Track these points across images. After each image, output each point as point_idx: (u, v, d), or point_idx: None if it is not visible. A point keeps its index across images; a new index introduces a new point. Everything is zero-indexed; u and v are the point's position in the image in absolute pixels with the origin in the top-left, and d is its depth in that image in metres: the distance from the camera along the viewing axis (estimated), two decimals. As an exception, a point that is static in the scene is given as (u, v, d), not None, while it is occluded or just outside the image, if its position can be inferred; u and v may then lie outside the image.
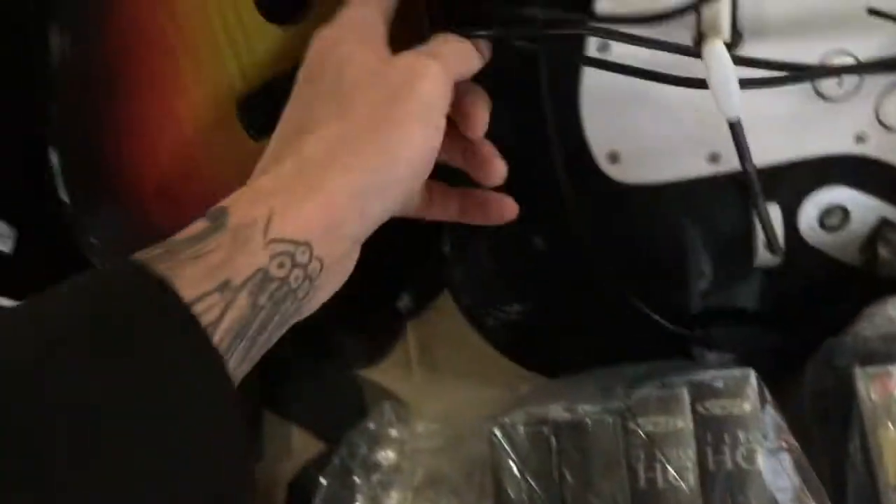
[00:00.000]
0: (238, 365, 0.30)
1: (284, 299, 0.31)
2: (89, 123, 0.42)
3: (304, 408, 0.47)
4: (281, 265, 0.30)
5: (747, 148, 0.39)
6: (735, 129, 0.38)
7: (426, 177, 0.36)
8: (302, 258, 0.31)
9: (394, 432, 0.42)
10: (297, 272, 0.31)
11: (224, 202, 0.33)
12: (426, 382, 0.48)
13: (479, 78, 0.41)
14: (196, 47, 0.43)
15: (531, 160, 0.44)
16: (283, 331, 0.33)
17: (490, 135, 0.40)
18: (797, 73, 0.40)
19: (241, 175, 0.45)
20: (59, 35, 0.39)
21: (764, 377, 0.49)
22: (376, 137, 0.33)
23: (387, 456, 0.41)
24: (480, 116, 0.38)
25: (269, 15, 0.45)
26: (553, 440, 0.39)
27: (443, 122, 0.35)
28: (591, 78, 0.43)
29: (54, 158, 0.41)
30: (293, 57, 0.46)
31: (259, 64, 0.45)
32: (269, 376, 0.48)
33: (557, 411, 0.39)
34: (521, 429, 0.39)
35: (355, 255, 0.35)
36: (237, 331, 0.29)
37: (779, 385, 0.48)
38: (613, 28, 0.39)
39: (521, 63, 0.41)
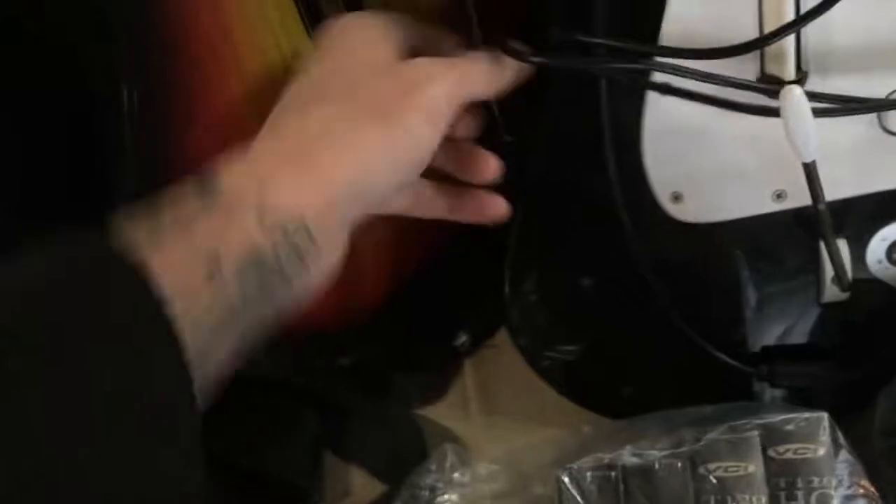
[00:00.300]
0: (223, 355, 0.28)
1: (274, 281, 0.29)
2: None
3: (364, 449, 0.47)
4: (275, 243, 0.29)
5: (821, 189, 0.39)
6: (810, 171, 0.38)
7: (418, 174, 0.35)
8: (296, 237, 0.30)
9: (456, 475, 0.41)
10: (290, 252, 0.29)
11: (216, 170, 0.31)
12: (485, 423, 0.47)
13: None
14: (252, 27, 0.43)
15: (591, 198, 0.44)
16: (271, 318, 0.30)
17: (550, 171, 0.40)
18: (859, 104, 0.39)
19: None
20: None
21: (831, 415, 0.48)
22: (380, 123, 0.33)
23: (450, 499, 0.41)
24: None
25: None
26: (621, 485, 0.38)
27: (444, 129, 0.35)
28: (652, 115, 0.42)
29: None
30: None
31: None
32: (327, 416, 0.48)
33: (625, 456, 0.38)
34: (589, 474, 0.38)
35: (345, 242, 0.33)
36: (224, 319, 0.28)
37: (844, 423, 0.47)
38: (679, 63, 0.39)
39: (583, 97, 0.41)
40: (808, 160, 0.37)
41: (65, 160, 0.46)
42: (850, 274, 0.44)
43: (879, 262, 0.45)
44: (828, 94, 0.39)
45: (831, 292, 0.45)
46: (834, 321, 0.47)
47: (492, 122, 0.51)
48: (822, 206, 0.39)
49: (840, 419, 0.46)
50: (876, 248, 0.45)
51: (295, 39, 0.43)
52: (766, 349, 0.48)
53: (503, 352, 0.48)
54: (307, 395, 0.48)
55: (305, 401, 0.47)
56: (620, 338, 0.48)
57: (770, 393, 0.49)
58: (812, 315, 0.47)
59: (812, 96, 0.36)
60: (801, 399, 0.49)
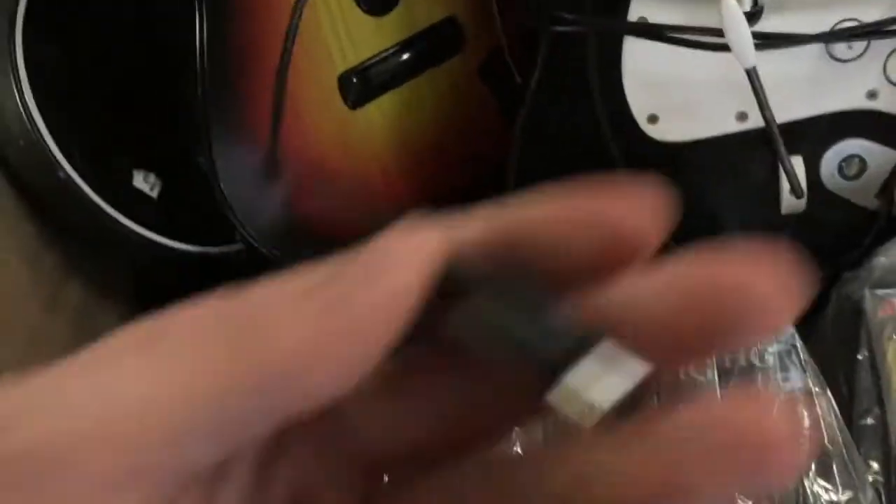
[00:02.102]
0: None
1: None
2: (226, 93, 0.52)
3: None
4: None
5: (765, 95, 0.46)
6: (751, 76, 0.45)
7: None
8: None
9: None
10: None
11: None
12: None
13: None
14: (304, 34, 0.53)
15: (580, 132, 0.52)
16: None
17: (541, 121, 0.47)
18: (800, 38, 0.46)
19: (338, 140, 0.55)
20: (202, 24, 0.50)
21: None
22: None
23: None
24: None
25: (366, 7, 0.54)
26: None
27: None
28: (630, 52, 0.50)
29: (198, 121, 0.51)
30: (383, 41, 0.56)
31: (355, 46, 0.54)
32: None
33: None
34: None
35: None
36: None
37: (807, 322, 0.54)
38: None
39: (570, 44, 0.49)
40: (749, 66, 0.45)
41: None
42: (804, 185, 0.51)
43: (832, 175, 0.52)
44: (759, 33, 0.47)
45: (789, 203, 0.52)
46: (796, 233, 0.54)
47: (505, 67, 0.60)
48: (767, 113, 0.47)
49: (806, 322, 0.53)
50: (828, 163, 0.52)
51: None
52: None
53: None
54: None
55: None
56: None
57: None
58: (777, 228, 0.54)
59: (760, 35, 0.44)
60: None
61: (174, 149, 0.54)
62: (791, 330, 0.45)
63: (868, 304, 0.46)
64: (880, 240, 0.51)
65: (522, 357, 0.15)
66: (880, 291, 0.47)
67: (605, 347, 0.15)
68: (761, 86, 0.46)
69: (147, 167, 0.54)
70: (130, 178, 0.53)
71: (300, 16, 0.50)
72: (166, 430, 0.14)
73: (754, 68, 0.45)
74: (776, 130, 0.48)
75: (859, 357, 0.45)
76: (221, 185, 0.51)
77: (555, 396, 0.15)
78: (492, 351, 0.16)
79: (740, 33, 0.43)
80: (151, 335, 0.15)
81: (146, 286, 0.57)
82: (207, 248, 0.55)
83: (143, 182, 0.53)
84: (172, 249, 0.54)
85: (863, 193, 0.52)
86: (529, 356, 0.15)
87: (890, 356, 0.45)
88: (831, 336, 0.50)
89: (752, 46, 0.44)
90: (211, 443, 0.14)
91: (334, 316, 0.14)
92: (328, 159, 0.55)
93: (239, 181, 0.52)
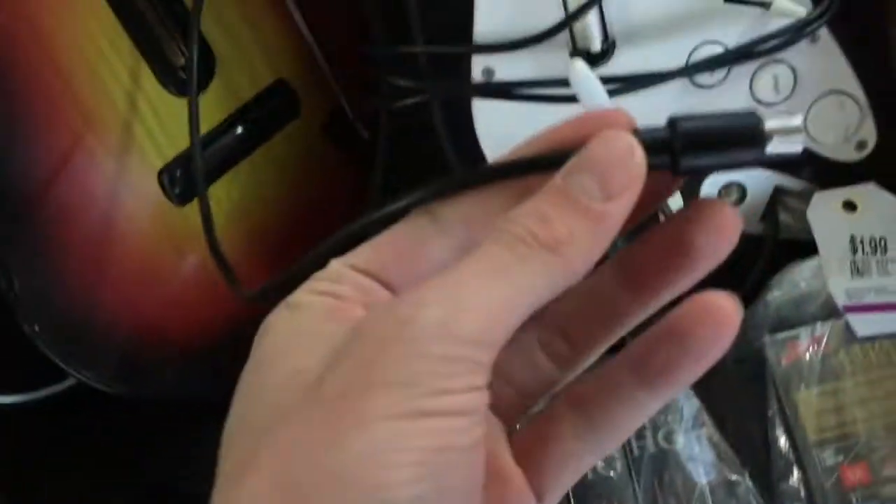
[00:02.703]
0: None
1: None
2: (25, 221, 0.44)
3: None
4: None
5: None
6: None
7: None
8: None
9: None
10: None
11: None
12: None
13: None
14: (105, 128, 0.45)
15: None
16: None
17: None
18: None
19: (166, 239, 0.48)
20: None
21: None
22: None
23: None
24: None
25: (175, 90, 0.47)
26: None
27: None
28: (481, 112, 0.45)
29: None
30: (204, 122, 0.49)
31: (171, 137, 0.47)
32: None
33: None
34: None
35: None
36: None
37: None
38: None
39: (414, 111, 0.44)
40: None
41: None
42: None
43: (713, 206, 0.48)
44: (616, 77, 0.42)
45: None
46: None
47: (349, 125, 0.54)
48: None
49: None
50: (707, 193, 0.48)
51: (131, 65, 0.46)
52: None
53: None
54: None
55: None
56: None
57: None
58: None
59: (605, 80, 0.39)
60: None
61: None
62: (697, 405, 0.41)
63: (770, 352, 0.43)
64: (772, 267, 0.48)
65: None
66: (780, 336, 0.44)
67: None
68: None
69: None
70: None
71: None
72: (507, 332, 0.19)
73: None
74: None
75: (769, 413, 0.42)
76: (36, 328, 0.44)
77: None
78: None
79: (594, 94, 0.38)
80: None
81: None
82: (30, 395, 0.47)
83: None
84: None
85: (747, 220, 0.49)
86: None
87: (801, 410, 0.42)
88: (735, 381, 0.47)
89: (609, 105, 0.39)
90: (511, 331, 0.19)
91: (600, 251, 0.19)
92: (161, 269, 0.48)
93: (58, 322, 0.45)
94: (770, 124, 0.20)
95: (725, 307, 0.21)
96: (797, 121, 0.20)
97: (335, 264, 0.21)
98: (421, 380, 0.18)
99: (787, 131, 0.19)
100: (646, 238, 0.22)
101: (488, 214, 0.20)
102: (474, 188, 0.21)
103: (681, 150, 0.19)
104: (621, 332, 0.23)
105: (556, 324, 0.23)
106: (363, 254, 0.21)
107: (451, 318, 0.18)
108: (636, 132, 0.20)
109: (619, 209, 0.19)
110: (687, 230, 0.21)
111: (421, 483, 0.18)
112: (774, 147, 0.19)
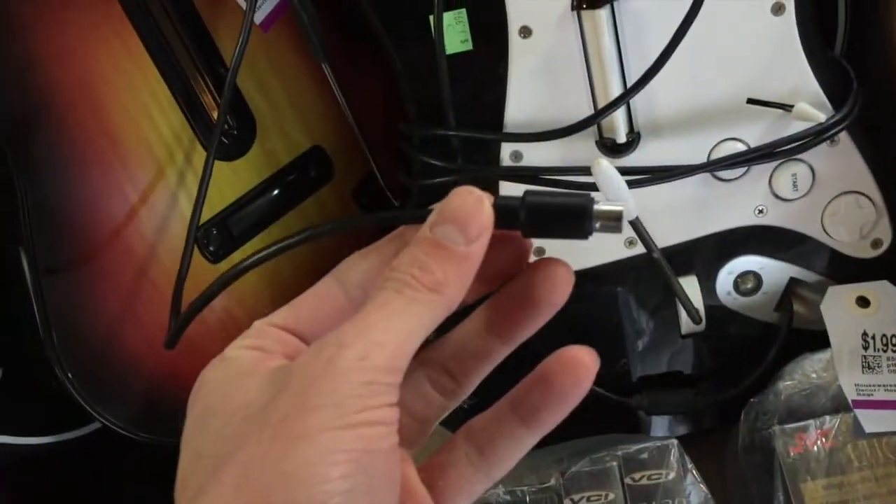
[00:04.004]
0: None
1: None
2: (62, 269, 0.46)
3: None
4: None
5: (651, 239, 0.43)
6: (636, 226, 0.42)
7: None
8: None
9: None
10: None
11: None
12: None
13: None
14: (148, 188, 0.48)
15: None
16: None
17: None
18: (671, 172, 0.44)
19: (196, 294, 0.49)
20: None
21: (706, 433, 0.53)
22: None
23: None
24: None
25: (218, 155, 0.49)
26: (499, 522, 0.42)
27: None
28: (506, 193, 0.47)
29: (33, 303, 0.45)
30: (242, 185, 0.51)
31: (208, 197, 0.49)
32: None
33: (498, 496, 0.42)
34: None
35: None
36: None
37: (723, 438, 0.51)
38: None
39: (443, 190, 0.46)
40: (630, 218, 0.42)
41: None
42: (702, 307, 0.49)
43: (728, 293, 0.50)
44: (637, 168, 0.44)
45: (688, 325, 0.49)
46: (701, 349, 0.52)
47: (380, 190, 0.56)
48: (656, 255, 0.44)
49: (721, 438, 0.51)
50: (724, 281, 0.49)
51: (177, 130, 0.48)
52: (644, 379, 0.52)
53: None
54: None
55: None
56: (508, 383, 0.52)
57: (653, 422, 0.53)
58: (679, 346, 0.52)
59: (626, 171, 0.41)
60: (685, 423, 0.54)
61: (10, 332, 0.48)
62: (704, 493, 0.42)
63: (778, 442, 0.44)
64: (785, 356, 0.49)
65: None
66: (789, 427, 0.45)
67: None
68: (646, 231, 0.43)
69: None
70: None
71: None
72: (408, 359, 0.24)
73: (637, 218, 0.42)
74: (666, 266, 0.45)
75: (775, 502, 0.43)
76: (70, 375, 0.46)
77: None
78: None
79: (617, 191, 0.40)
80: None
81: (5, 483, 0.51)
82: (61, 436, 0.49)
83: (-21, 376, 0.47)
84: (25, 446, 0.47)
85: (762, 308, 0.50)
86: None
87: (807, 502, 0.42)
88: (744, 466, 0.47)
89: (633, 200, 0.41)
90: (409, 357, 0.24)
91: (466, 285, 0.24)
92: (194, 323, 0.49)
93: (90, 368, 0.46)
94: (597, 208, 0.24)
95: (584, 359, 0.26)
96: (619, 209, 0.24)
97: (258, 324, 0.26)
98: (348, 401, 0.23)
99: (609, 216, 0.24)
100: (503, 291, 0.27)
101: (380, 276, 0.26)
102: (355, 227, 0.27)
103: (525, 218, 0.24)
104: (491, 366, 0.28)
105: (440, 363, 0.28)
106: (282, 313, 0.27)
107: (367, 353, 0.23)
108: (495, 199, 0.25)
109: (478, 249, 0.24)
110: (531, 285, 0.26)
111: (354, 476, 0.22)
112: (599, 228, 0.24)
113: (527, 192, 0.24)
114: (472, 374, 0.28)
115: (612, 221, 0.24)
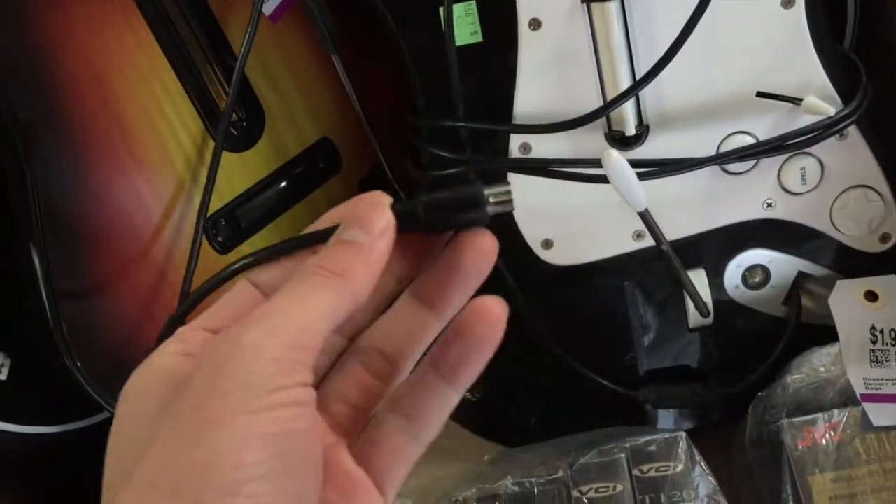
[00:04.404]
0: None
1: None
2: (72, 260, 0.46)
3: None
4: None
5: (660, 231, 0.43)
6: (645, 218, 0.42)
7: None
8: None
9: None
10: None
11: None
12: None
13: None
14: (159, 178, 0.48)
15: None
16: None
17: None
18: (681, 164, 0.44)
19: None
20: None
21: (713, 427, 0.53)
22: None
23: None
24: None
25: (228, 146, 0.50)
26: (506, 513, 0.42)
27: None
28: (515, 184, 0.46)
29: (43, 293, 0.45)
30: (251, 176, 0.52)
31: (218, 188, 0.49)
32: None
33: (506, 486, 0.42)
34: (475, 504, 0.42)
35: None
36: None
37: (730, 432, 0.51)
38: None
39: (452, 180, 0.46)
40: (640, 209, 0.42)
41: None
42: (710, 301, 0.49)
43: (737, 287, 0.50)
44: (646, 160, 0.44)
45: (696, 319, 0.49)
46: (709, 343, 0.52)
47: (387, 182, 0.56)
48: (664, 247, 0.44)
49: (728, 431, 0.51)
50: (732, 275, 0.49)
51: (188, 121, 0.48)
52: (651, 372, 0.52)
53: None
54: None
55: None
56: (519, 376, 0.52)
57: (659, 415, 0.53)
58: (687, 340, 0.52)
59: (635, 164, 0.41)
60: (692, 417, 0.54)
61: (20, 322, 0.48)
62: (712, 485, 0.42)
63: (787, 435, 0.44)
64: (793, 350, 0.49)
65: None
66: (797, 420, 0.45)
67: None
68: (655, 223, 0.43)
69: (-9, 347, 0.47)
70: (-28, 364, 0.47)
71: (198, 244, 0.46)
72: (317, 337, 0.24)
73: (647, 209, 0.42)
74: (674, 258, 0.45)
75: (783, 495, 0.43)
76: (79, 364, 0.46)
77: None
78: None
79: (627, 182, 0.40)
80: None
81: (12, 471, 0.51)
82: (70, 426, 0.49)
83: (-11, 365, 0.47)
84: (34, 435, 0.48)
85: (770, 302, 0.50)
86: None
87: (815, 495, 0.42)
88: (752, 460, 0.47)
89: (642, 192, 0.41)
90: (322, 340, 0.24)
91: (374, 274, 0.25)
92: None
93: (100, 358, 0.46)
94: (487, 191, 0.26)
95: (494, 308, 0.26)
96: (507, 187, 0.26)
97: (182, 329, 0.26)
98: (258, 381, 0.23)
99: (499, 195, 0.26)
100: (431, 266, 0.28)
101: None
102: (278, 257, 0.27)
103: (425, 216, 0.26)
104: (424, 343, 0.28)
105: (374, 347, 0.28)
106: (206, 316, 0.27)
107: (272, 331, 0.24)
108: (394, 203, 0.26)
109: (382, 245, 0.26)
110: (458, 254, 0.27)
111: (270, 461, 0.22)
112: (493, 208, 0.26)
113: (420, 193, 0.26)
114: (406, 353, 0.28)
115: (505, 201, 0.26)
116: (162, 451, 0.22)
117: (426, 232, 0.27)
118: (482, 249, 0.27)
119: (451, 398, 0.27)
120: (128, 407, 0.25)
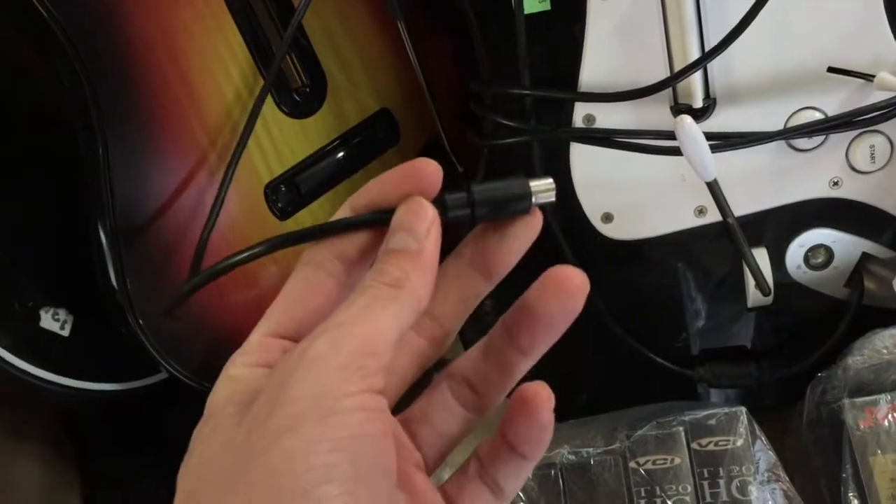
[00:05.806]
0: None
1: None
2: (135, 219, 0.47)
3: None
4: None
5: (727, 204, 0.43)
6: (713, 189, 0.42)
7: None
8: None
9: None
10: None
11: None
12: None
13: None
14: (223, 142, 0.48)
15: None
16: None
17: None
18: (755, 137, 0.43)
19: (269, 257, 0.50)
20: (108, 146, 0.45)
21: (768, 408, 0.52)
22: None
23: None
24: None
25: (288, 111, 0.50)
26: (560, 482, 0.42)
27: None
28: (578, 155, 0.47)
29: (106, 251, 0.46)
30: (311, 144, 0.52)
31: (280, 154, 0.50)
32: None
33: (563, 455, 0.42)
34: (531, 472, 0.42)
35: None
36: None
37: (784, 414, 0.51)
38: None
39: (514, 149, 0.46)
40: (709, 179, 0.41)
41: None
42: (771, 280, 0.48)
43: (798, 267, 0.49)
44: (711, 133, 0.43)
45: (755, 298, 0.49)
46: (765, 324, 0.51)
47: (445, 156, 0.56)
48: (730, 220, 0.43)
49: (782, 413, 0.50)
50: (794, 254, 0.49)
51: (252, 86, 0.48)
52: (704, 352, 0.52)
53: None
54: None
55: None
56: (572, 350, 0.52)
57: (713, 394, 0.53)
58: (744, 319, 0.51)
59: (709, 136, 0.40)
60: (745, 398, 0.53)
61: (84, 279, 0.48)
62: (773, 459, 0.41)
63: (848, 415, 0.43)
64: (855, 331, 0.48)
65: None
66: (859, 400, 0.44)
67: None
68: (723, 194, 0.42)
69: (55, 303, 0.48)
70: (37, 318, 0.47)
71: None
72: (384, 346, 0.24)
73: (715, 179, 0.41)
74: (739, 233, 0.45)
75: (843, 475, 0.42)
76: (141, 322, 0.46)
77: None
78: None
79: (699, 150, 0.39)
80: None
81: (71, 427, 0.52)
82: (130, 384, 0.50)
83: (53, 320, 0.48)
84: (94, 391, 0.48)
85: (832, 283, 0.49)
86: None
87: (876, 475, 0.42)
88: (809, 441, 0.47)
89: (712, 162, 0.40)
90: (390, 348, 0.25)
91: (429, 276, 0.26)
92: (259, 277, 0.50)
93: (159, 317, 0.47)
94: (533, 185, 0.26)
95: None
96: (549, 179, 0.27)
97: (255, 336, 0.26)
98: (325, 389, 0.23)
99: (544, 189, 0.26)
100: (519, 302, 0.28)
101: (353, 246, 0.27)
102: (327, 237, 0.27)
103: (475, 205, 0.26)
104: (513, 380, 0.28)
105: (463, 376, 0.29)
106: (275, 319, 0.26)
107: (338, 340, 0.24)
108: (441, 192, 0.26)
109: (431, 244, 0.26)
110: (544, 294, 0.27)
111: (339, 464, 0.23)
112: (537, 199, 0.26)
113: (470, 185, 0.27)
114: (493, 387, 0.28)
115: (547, 191, 0.27)
116: (237, 460, 0.23)
117: (469, 224, 0.27)
118: (572, 288, 0.26)
119: (520, 369, 0.28)
120: (214, 420, 0.25)
